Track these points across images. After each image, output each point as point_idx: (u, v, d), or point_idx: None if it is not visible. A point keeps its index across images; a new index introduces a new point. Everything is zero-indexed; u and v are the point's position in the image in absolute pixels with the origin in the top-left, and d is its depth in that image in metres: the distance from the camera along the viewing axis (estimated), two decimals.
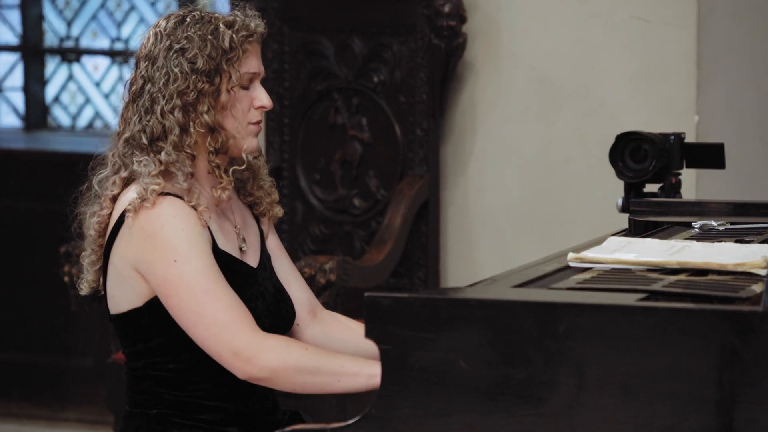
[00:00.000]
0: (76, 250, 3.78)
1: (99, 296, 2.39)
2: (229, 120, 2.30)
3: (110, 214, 2.30)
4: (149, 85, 2.27)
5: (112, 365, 3.89)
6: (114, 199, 2.30)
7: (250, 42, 2.30)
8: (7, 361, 5.19)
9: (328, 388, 2.23)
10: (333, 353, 2.25)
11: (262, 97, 2.33)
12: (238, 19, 2.30)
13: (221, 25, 2.27)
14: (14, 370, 5.19)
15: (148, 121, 2.26)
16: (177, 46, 2.26)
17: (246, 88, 2.31)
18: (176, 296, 2.21)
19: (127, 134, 2.29)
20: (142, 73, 2.28)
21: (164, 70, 2.25)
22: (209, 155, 2.28)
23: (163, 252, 2.22)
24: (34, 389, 5.17)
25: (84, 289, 2.40)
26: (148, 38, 2.31)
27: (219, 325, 2.19)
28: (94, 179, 2.34)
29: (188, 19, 2.29)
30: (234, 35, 2.27)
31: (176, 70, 2.24)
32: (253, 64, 2.31)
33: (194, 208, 2.25)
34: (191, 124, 2.25)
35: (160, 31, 2.29)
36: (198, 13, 2.30)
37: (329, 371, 2.19)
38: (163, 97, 2.25)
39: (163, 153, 2.24)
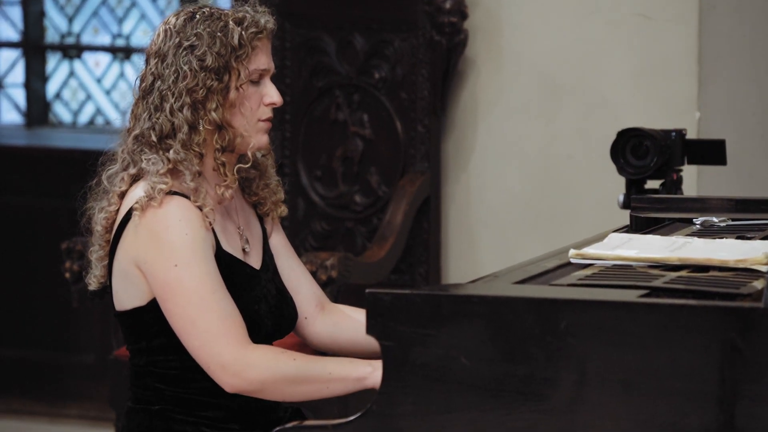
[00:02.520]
0: (77, 246, 3.80)
1: (103, 292, 2.40)
2: (238, 117, 2.29)
3: (117, 210, 2.30)
4: (159, 82, 2.27)
5: (113, 362, 3.89)
6: (122, 195, 2.30)
7: (260, 39, 2.30)
8: (8, 358, 5.19)
9: (317, 395, 2.24)
10: (321, 359, 2.26)
11: (272, 94, 2.32)
12: (247, 15, 2.29)
13: (231, 22, 2.27)
14: (15, 366, 5.20)
15: (158, 119, 2.26)
16: (186, 44, 2.26)
17: (256, 84, 2.31)
18: (172, 301, 2.22)
19: (136, 131, 2.29)
20: (152, 70, 2.28)
21: (173, 68, 2.25)
22: (215, 152, 2.28)
23: (165, 255, 2.22)
24: (36, 386, 5.17)
25: (92, 284, 2.40)
26: (158, 35, 2.30)
27: (210, 336, 2.20)
28: (103, 175, 2.34)
29: (198, 16, 2.28)
30: (243, 32, 2.26)
31: (185, 67, 2.24)
32: (262, 60, 2.31)
33: (200, 208, 2.25)
34: (200, 122, 2.25)
35: (169, 27, 2.29)
36: (207, 9, 2.30)
37: (318, 379, 2.20)
38: (173, 94, 2.25)
39: (171, 151, 2.24)
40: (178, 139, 2.24)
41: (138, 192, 2.25)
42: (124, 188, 2.29)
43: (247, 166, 2.34)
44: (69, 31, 5.76)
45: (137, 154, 2.28)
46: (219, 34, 2.25)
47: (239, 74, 2.26)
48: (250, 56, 2.28)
